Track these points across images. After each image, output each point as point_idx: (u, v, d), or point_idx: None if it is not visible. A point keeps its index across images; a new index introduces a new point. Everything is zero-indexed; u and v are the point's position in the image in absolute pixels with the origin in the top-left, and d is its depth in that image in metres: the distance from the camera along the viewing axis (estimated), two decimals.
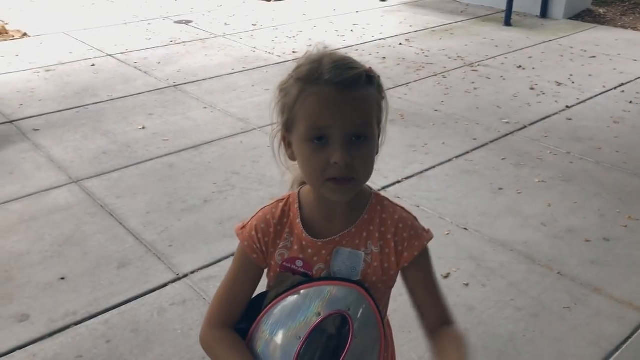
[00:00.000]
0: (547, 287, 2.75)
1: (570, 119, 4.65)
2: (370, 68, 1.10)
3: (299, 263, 1.18)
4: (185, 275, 2.78)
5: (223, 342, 1.18)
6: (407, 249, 1.19)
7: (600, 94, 5.20)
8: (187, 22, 7.38)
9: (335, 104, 1.05)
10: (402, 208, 1.23)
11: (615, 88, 5.33)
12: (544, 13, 7.87)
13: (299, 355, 1.08)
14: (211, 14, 7.83)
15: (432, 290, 1.23)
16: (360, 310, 1.13)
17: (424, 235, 1.21)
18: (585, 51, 6.42)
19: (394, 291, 1.28)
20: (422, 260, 1.21)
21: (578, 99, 5.07)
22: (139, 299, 2.62)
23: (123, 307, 2.58)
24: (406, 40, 6.75)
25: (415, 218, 1.23)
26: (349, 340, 1.09)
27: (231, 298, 1.23)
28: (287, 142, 1.15)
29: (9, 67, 5.61)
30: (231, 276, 1.24)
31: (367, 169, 1.11)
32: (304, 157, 1.10)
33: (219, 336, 1.19)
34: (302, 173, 1.15)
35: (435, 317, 1.22)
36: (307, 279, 1.17)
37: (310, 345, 1.09)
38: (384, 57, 6.04)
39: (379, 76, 1.12)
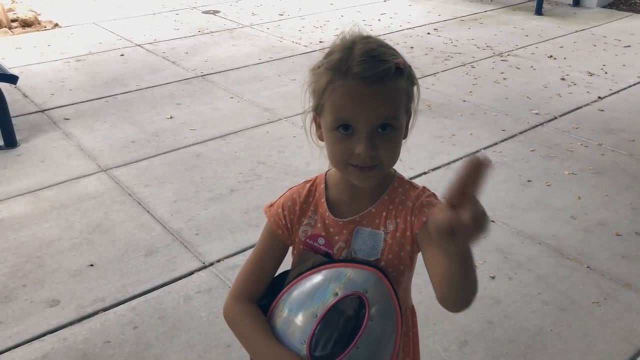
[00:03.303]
0: (576, 281, 2.70)
1: (602, 110, 4.55)
2: (401, 60, 1.08)
3: (321, 240, 1.22)
4: (211, 264, 2.80)
5: (245, 316, 1.22)
6: (417, 217, 1.17)
7: (634, 84, 5.07)
8: (215, 12, 7.41)
9: (361, 98, 1.06)
10: (424, 187, 1.24)
11: None
12: (577, 1, 7.69)
13: (314, 333, 1.10)
14: (238, 3, 7.85)
15: None
16: (378, 295, 1.13)
17: (437, 205, 1.17)
18: (619, 40, 6.26)
19: (418, 283, 1.27)
20: None
21: (611, 89, 4.95)
22: (165, 287, 2.66)
23: (150, 294, 2.62)
24: (434, 29, 6.67)
25: (434, 195, 1.22)
26: (364, 322, 1.10)
27: (255, 273, 1.27)
28: (317, 123, 1.18)
29: (41, 57, 5.71)
30: (257, 252, 1.29)
31: (393, 156, 1.13)
32: (330, 144, 1.13)
33: (242, 310, 1.23)
34: (328, 156, 1.18)
35: None
36: (328, 259, 1.19)
37: (327, 324, 1.10)
38: (412, 47, 5.98)
39: (409, 66, 1.11)
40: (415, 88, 1.14)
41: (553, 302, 2.57)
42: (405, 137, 1.16)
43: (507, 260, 2.83)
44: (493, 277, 2.71)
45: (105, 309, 2.53)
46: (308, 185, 1.26)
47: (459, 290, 1.03)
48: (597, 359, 2.27)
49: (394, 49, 1.12)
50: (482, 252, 2.88)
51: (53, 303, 2.56)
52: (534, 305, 2.55)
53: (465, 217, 0.80)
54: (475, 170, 0.80)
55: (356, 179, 1.14)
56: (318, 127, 1.17)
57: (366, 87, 1.05)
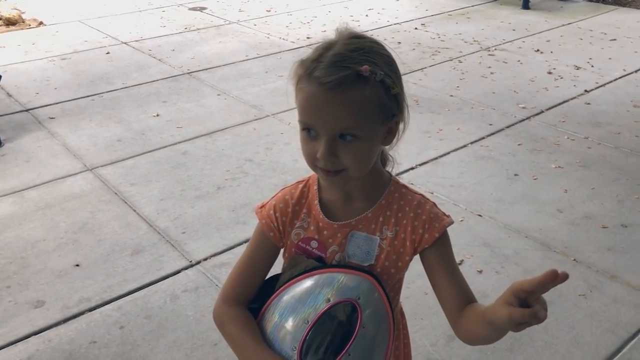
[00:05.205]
0: None
1: (588, 104, 4.57)
2: (365, 67, 1.03)
3: (314, 244, 1.19)
4: (198, 262, 2.79)
5: (235, 319, 1.19)
6: (427, 231, 1.16)
7: (620, 77, 5.10)
8: (202, 9, 7.37)
9: (320, 104, 1.04)
10: (422, 195, 1.22)
11: (636, 71, 5.22)
12: None
13: (305, 339, 1.08)
14: (225, 0, 7.80)
15: (454, 274, 1.18)
16: (371, 301, 1.12)
17: (444, 219, 1.19)
18: (605, 34, 6.29)
19: (407, 278, 1.27)
20: (443, 244, 1.18)
21: (597, 82, 4.97)
22: (152, 286, 2.64)
23: (136, 293, 2.60)
24: (422, 24, 6.67)
25: (434, 204, 1.22)
26: (356, 329, 1.08)
27: (246, 275, 1.24)
28: None
29: (25, 55, 5.65)
30: (247, 254, 1.26)
31: (359, 163, 1.10)
32: (301, 143, 1.13)
33: (232, 313, 1.21)
34: None
35: (460, 299, 1.15)
36: (321, 264, 1.17)
37: (319, 330, 1.08)
38: (399, 42, 5.97)
39: (381, 72, 1.04)
40: (393, 97, 1.08)
41: None
42: (388, 143, 1.14)
43: (494, 255, 2.83)
44: (480, 272, 2.71)
45: (91, 309, 2.51)
46: (300, 186, 1.24)
47: (488, 342, 1.11)
48: (583, 351, 2.29)
49: (368, 54, 1.05)
50: (469, 246, 2.88)
51: (38, 304, 2.53)
52: None
53: (541, 315, 0.89)
54: (553, 282, 0.87)
55: (324, 182, 1.14)
56: None
57: (324, 93, 1.02)
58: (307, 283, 1.13)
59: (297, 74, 1.08)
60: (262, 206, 1.26)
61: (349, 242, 1.18)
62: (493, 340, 1.07)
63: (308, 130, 1.08)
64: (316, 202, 1.21)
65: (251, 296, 1.23)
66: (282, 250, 1.26)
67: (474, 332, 1.10)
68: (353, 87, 1.02)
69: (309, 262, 1.17)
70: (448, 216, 1.20)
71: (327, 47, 1.07)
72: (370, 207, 1.18)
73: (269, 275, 1.26)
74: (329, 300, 1.09)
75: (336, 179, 1.10)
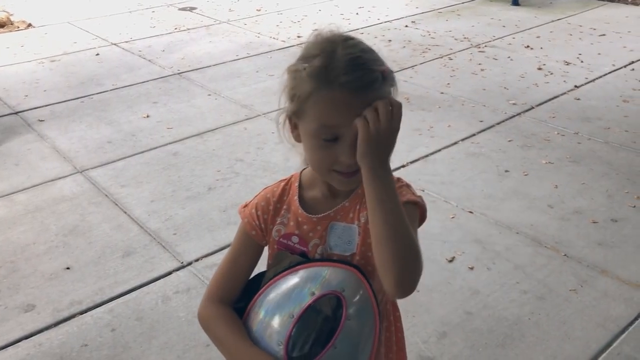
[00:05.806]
0: (554, 269, 2.72)
1: (578, 99, 4.58)
2: (386, 68, 1.07)
3: (295, 239, 1.20)
4: (190, 263, 2.78)
5: (221, 319, 1.20)
6: None
7: (609, 72, 5.12)
8: (192, 9, 7.35)
9: (348, 107, 1.04)
10: (399, 178, 1.22)
11: (625, 66, 5.25)
12: None
13: (291, 334, 1.09)
14: (215, 0, 7.78)
15: None
16: (356, 294, 1.12)
17: (407, 196, 1.16)
18: (594, 29, 6.31)
19: None
20: None
21: (587, 78, 4.99)
22: (143, 288, 2.63)
23: (128, 295, 2.59)
24: (412, 22, 6.67)
25: (408, 185, 1.21)
26: (342, 322, 1.09)
27: (230, 275, 1.25)
28: (293, 124, 1.15)
29: (14, 58, 5.62)
30: (231, 253, 1.27)
31: None
32: (312, 150, 1.11)
33: (217, 313, 1.21)
34: (307, 160, 1.16)
35: None
36: (305, 259, 1.18)
37: (305, 325, 1.09)
38: (390, 40, 5.97)
39: (391, 70, 1.10)
40: (393, 89, 1.12)
41: (531, 291, 2.59)
42: None
43: (485, 251, 2.84)
44: (472, 268, 2.72)
45: (82, 312, 2.50)
46: (283, 184, 1.25)
47: (388, 259, 1.01)
48: (574, 346, 2.30)
49: (375, 54, 1.10)
50: (460, 243, 2.89)
51: (28, 308, 2.52)
52: (512, 294, 2.57)
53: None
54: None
55: (339, 184, 1.14)
56: (294, 127, 1.15)
57: (352, 96, 1.04)
58: (292, 279, 1.14)
59: (309, 84, 1.06)
60: (245, 206, 1.27)
61: (329, 233, 1.19)
62: (381, 229, 1.01)
63: (328, 135, 1.07)
64: (296, 197, 1.22)
65: (236, 296, 1.24)
66: (266, 248, 1.27)
67: (376, 238, 1.04)
68: (376, 87, 1.06)
69: (293, 257, 1.18)
70: (417, 197, 1.18)
71: (331, 50, 1.06)
72: (347, 197, 1.19)
73: (254, 273, 1.27)
74: (313, 293, 1.10)
75: (352, 179, 1.12)
